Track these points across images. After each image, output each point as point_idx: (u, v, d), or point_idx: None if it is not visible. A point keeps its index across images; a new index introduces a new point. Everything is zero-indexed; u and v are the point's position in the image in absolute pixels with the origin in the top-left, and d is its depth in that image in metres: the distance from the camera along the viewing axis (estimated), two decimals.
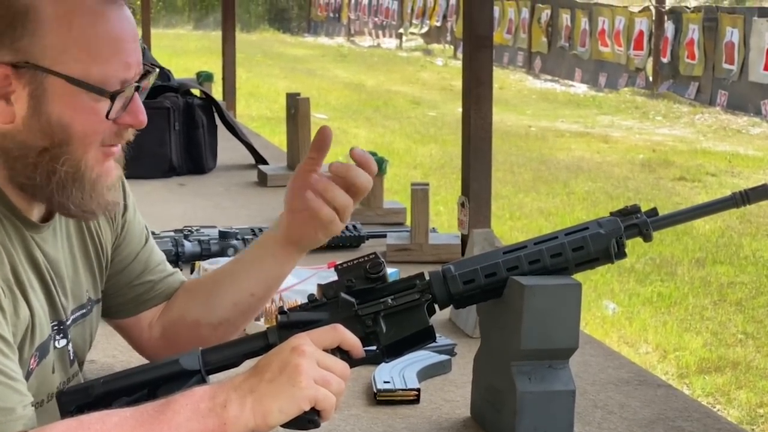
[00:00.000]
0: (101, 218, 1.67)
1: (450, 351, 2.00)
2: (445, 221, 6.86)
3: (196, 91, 4.11)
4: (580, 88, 15.48)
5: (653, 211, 1.63)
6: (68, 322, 1.58)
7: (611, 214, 1.63)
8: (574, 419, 1.58)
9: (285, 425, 1.41)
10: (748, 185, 1.77)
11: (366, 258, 1.59)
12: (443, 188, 8.07)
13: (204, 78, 5.50)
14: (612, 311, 5.69)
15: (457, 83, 12.76)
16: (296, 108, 3.76)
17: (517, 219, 7.65)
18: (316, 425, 1.44)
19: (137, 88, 1.48)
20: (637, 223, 1.61)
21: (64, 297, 1.56)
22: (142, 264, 1.79)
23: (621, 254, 1.60)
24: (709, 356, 5.08)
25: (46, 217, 1.54)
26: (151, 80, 1.53)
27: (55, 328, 1.54)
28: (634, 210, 1.62)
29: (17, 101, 1.42)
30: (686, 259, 6.68)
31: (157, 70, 1.57)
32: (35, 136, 1.44)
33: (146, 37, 7.16)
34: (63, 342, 1.56)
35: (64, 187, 1.46)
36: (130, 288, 1.77)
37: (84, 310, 1.64)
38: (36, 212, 1.52)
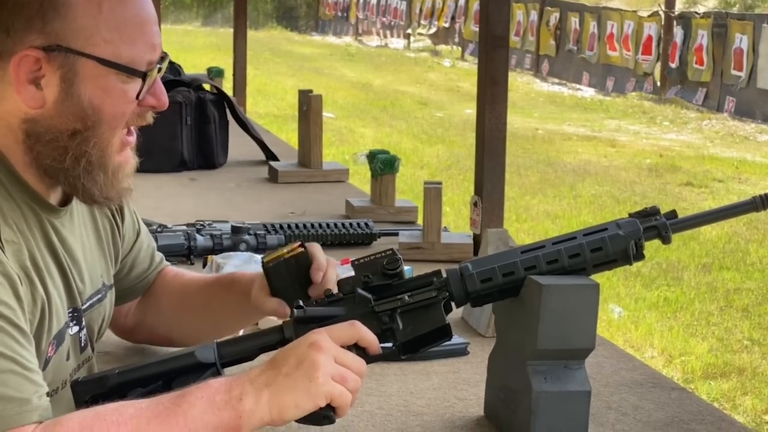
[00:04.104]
0: (103, 214, 1.69)
1: (463, 350, 2.00)
2: (452, 221, 6.86)
3: (207, 86, 4.11)
4: (588, 92, 15.48)
5: (673, 213, 1.62)
6: (84, 308, 1.58)
7: (630, 215, 1.62)
8: (589, 420, 1.58)
9: (299, 420, 1.41)
10: (756, 192, 1.77)
11: (383, 254, 1.58)
12: (450, 189, 8.06)
13: (215, 74, 5.49)
14: (618, 315, 5.68)
15: (465, 84, 12.75)
16: (308, 105, 3.75)
17: (524, 221, 7.65)
18: (331, 421, 1.43)
19: (159, 70, 1.50)
20: (656, 225, 1.60)
21: (80, 282, 1.56)
22: (131, 260, 1.83)
23: (639, 256, 1.60)
24: (715, 362, 5.08)
25: (64, 202, 1.54)
26: (165, 65, 1.54)
27: (71, 314, 1.54)
28: (653, 212, 1.61)
29: (47, 86, 1.43)
30: (693, 264, 6.68)
31: (169, 56, 1.57)
32: (67, 119, 1.44)
33: None
34: (76, 329, 1.56)
35: (90, 171, 1.47)
36: (117, 281, 1.79)
37: (100, 295, 1.65)
38: (54, 196, 1.52)
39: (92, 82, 1.44)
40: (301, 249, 1.66)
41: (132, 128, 1.52)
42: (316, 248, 1.67)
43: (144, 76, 1.46)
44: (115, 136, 1.48)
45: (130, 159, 1.53)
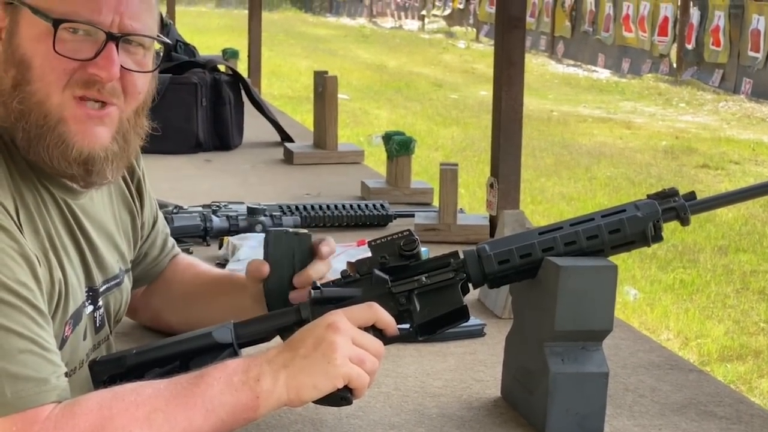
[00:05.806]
0: (118, 197, 1.68)
1: (480, 331, 1.99)
2: (466, 203, 6.84)
3: (222, 68, 4.10)
4: (603, 74, 15.41)
5: (691, 195, 1.61)
6: (101, 290, 1.58)
7: (648, 196, 1.61)
8: (606, 401, 1.57)
9: (317, 401, 1.41)
10: None
11: (400, 235, 1.58)
12: (464, 171, 8.03)
13: (230, 55, 5.48)
14: (633, 297, 5.67)
15: (479, 66, 12.68)
16: (324, 86, 3.74)
17: (539, 203, 7.63)
18: (349, 402, 1.44)
19: (112, 38, 1.42)
20: (675, 206, 1.59)
21: (97, 263, 1.56)
22: (147, 246, 1.83)
23: (658, 237, 1.59)
24: (731, 344, 5.06)
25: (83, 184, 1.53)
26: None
27: (87, 293, 1.54)
28: (672, 193, 1.60)
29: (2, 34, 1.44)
30: (709, 246, 6.65)
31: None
32: (7, 70, 1.42)
33: (170, 14, 7.18)
34: (91, 308, 1.56)
35: (29, 137, 1.42)
36: (134, 266, 1.79)
37: (118, 280, 1.64)
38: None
39: (27, 32, 1.42)
40: (306, 231, 1.69)
41: (89, 96, 1.42)
42: (327, 244, 1.68)
43: (56, 22, 1.40)
44: (52, 96, 1.41)
45: (95, 137, 1.44)
